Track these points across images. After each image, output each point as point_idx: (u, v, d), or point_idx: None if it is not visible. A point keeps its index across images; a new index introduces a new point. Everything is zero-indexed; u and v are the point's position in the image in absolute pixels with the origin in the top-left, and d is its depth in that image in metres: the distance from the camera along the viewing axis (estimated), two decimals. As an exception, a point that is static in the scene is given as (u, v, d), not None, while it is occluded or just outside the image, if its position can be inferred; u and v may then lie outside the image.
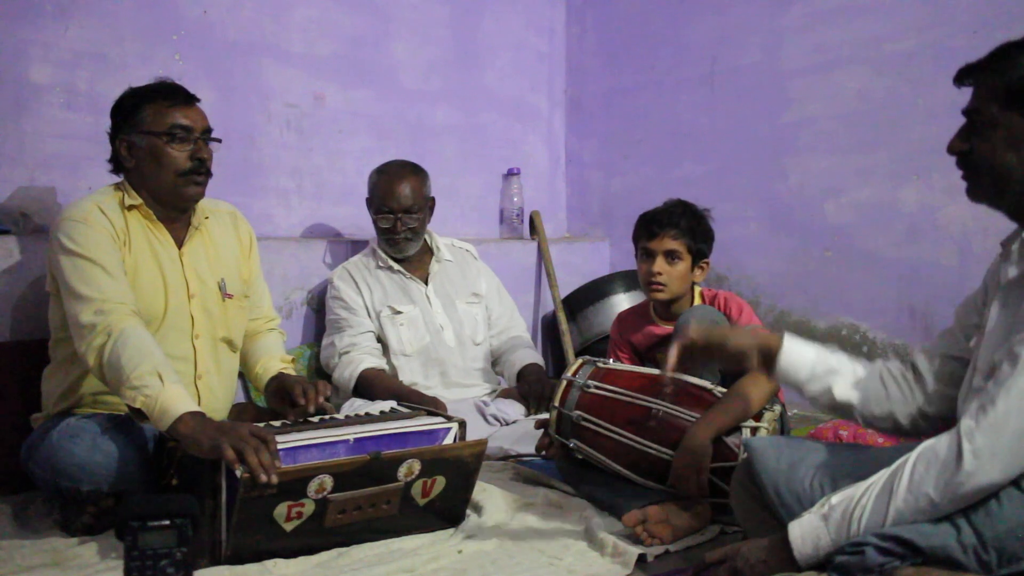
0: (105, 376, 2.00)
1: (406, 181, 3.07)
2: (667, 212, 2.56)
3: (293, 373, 2.47)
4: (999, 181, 1.63)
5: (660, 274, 2.53)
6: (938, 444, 1.59)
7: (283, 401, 2.30)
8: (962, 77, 1.68)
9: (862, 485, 1.63)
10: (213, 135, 2.33)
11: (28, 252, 2.59)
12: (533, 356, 3.21)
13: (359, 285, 3.10)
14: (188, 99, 2.29)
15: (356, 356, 2.99)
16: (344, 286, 3.10)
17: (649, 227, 2.55)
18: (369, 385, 2.93)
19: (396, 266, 3.14)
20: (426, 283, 3.17)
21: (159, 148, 2.23)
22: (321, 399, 2.22)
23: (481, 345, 3.20)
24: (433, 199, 3.19)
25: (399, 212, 3.05)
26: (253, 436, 1.82)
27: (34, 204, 2.68)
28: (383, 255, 3.15)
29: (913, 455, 1.60)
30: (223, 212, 2.50)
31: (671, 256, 2.54)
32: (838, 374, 1.83)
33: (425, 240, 3.21)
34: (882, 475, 1.62)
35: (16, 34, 2.81)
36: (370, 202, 3.15)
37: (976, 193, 1.69)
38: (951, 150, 1.68)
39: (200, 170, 2.27)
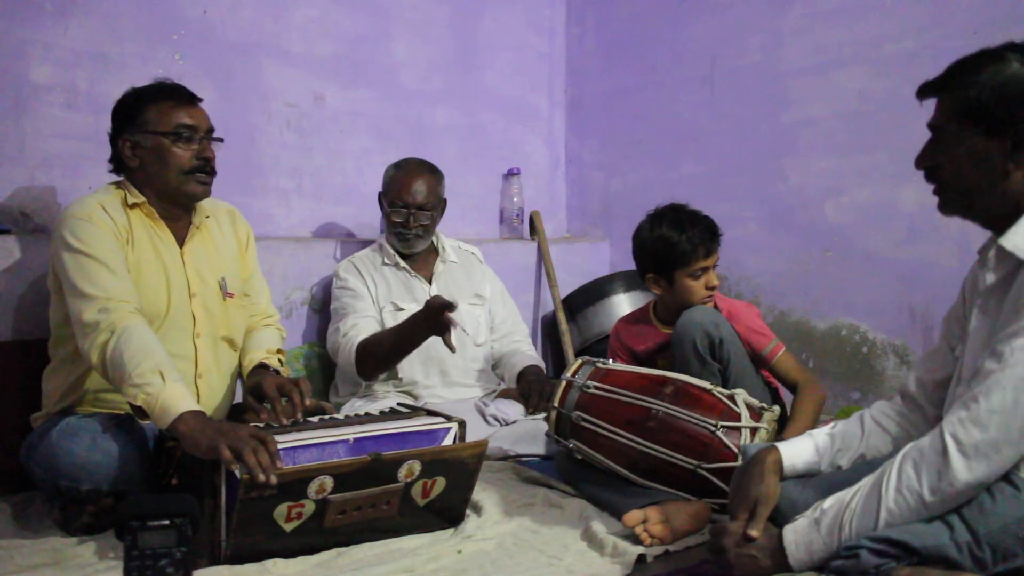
0: (107, 373, 2.01)
1: (422, 178, 3.09)
2: (706, 224, 2.54)
3: (276, 364, 2.46)
4: (965, 196, 1.67)
5: (717, 282, 2.56)
6: (923, 444, 1.60)
7: (261, 402, 2.25)
8: (924, 92, 1.71)
9: (852, 489, 1.64)
10: (215, 135, 2.34)
11: (29, 252, 2.59)
12: (533, 359, 3.22)
13: (364, 278, 3.11)
14: (191, 99, 2.32)
15: (354, 333, 2.95)
16: (350, 276, 3.11)
17: (705, 246, 2.52)
18: (371, 347, 2.88)
19: (402, 263, 3.15)
20: (430, 283, 3.18)
21: (165, 148, 2.25)
22: (307, 401, 2.16)
23: (482, 347, 3.21)
24: (445, 200, 3.21)
25: (413, 207, 3.07)
26: (252, 437, 1.82)
27: (34, 203, 2.68)
28: (390, 251, 3.16)
29: (899, 456, 1.61)
30: (222, 211, 2.51)
31: (715, 264, 2.57)
32: (840, 453, 1.83)
33: (432, 240, 3.23)
34: (870, 478, 1.63)
35: (16, 34, 2.81)
36: (384, 196, 3.16)
37: (946, 207, 1.72)
38: (918, 165, 1.72)
39: (205, 169, 2.30)
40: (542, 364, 3.24)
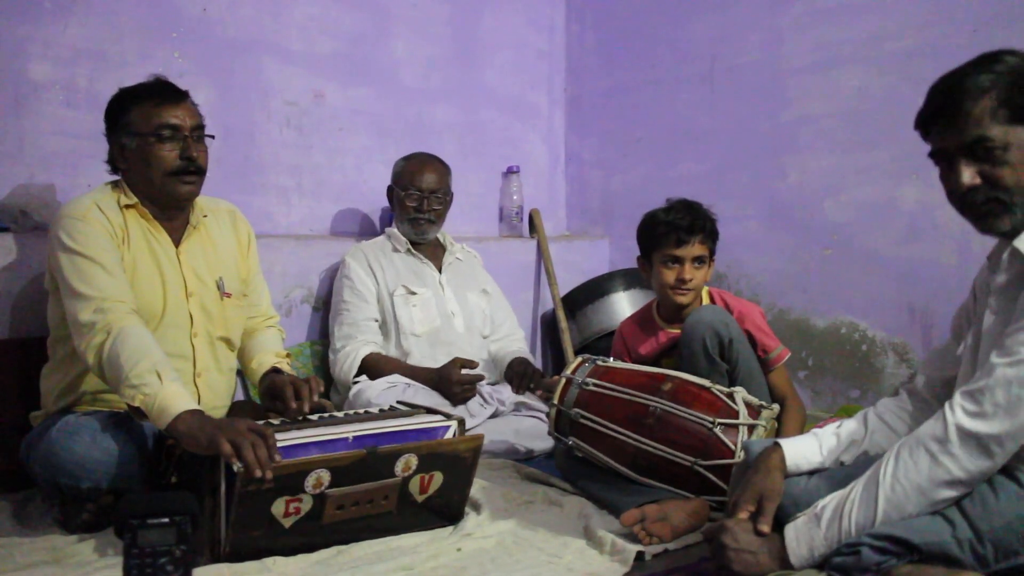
0: (105, 374, 2.00)
1: (433, 167, 3.23)
2: (692, 216, 2.53)
3: (287, 368, 2.47)
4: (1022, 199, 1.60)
5: (692, 280, 2.53)
6: (922, 434, 1.60)
7: (275, 401, 2.27)
8: (935, 118, 1.63)
9: (851, 484, 1.64)
10: (206, 131, 2.32)
11: (27, 250, 2.59)
12: (523, 352, 3.26)
13: (372, 266, 3.16)
14: (176, 97, 2.27)
15: (352, 348, 3.03)
16: (356, 265, 3.15)
17: (678, 234, 2.51)
18: (374, 367, 2.99)
19: (412, 249, 3.22)
20: (439, 271, 3.24)
21: (148, 149, 2.23)
22: (315, 397, 2.18)
23: (488, 338, 3.27)
24: (452, 194, 3.29)
25: (426, 192, 3.18)
26: (251, 432, 1.82)
27: (33, 202, 2.68)
28: (400, 238, 3.22)
29: (896, 446, 1.61)
30: (222, 211, 2.50)
31: (698, 261, 2.54)
32: (846, 451, 1.83)
33: (437, 238, 3.30)
34: (868, 472, 1.63)
35: (16, 31, 2.81)
36: (395, 185, 3.24)
37: (996, 222, 1.63)
38: (963, 188, 1.61)
39: (190, 168, 2.26)
40: (532, 360, 3.26)
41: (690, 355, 2.43)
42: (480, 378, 2.94)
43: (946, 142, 1.64)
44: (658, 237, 2.54)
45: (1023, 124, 1.58)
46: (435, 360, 3.07)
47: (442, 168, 3.25)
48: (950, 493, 1.57)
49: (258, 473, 1.76)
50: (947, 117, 1.62)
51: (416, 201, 3.17)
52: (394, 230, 3.26)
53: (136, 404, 1.91)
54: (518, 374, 3.07)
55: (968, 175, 1.61)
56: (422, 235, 3.22)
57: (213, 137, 2.35)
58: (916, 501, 1.57)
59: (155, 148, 2.23)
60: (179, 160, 2.24)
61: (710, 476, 2.15)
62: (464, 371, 2.88)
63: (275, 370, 2.41)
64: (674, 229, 2.52)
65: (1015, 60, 1.59)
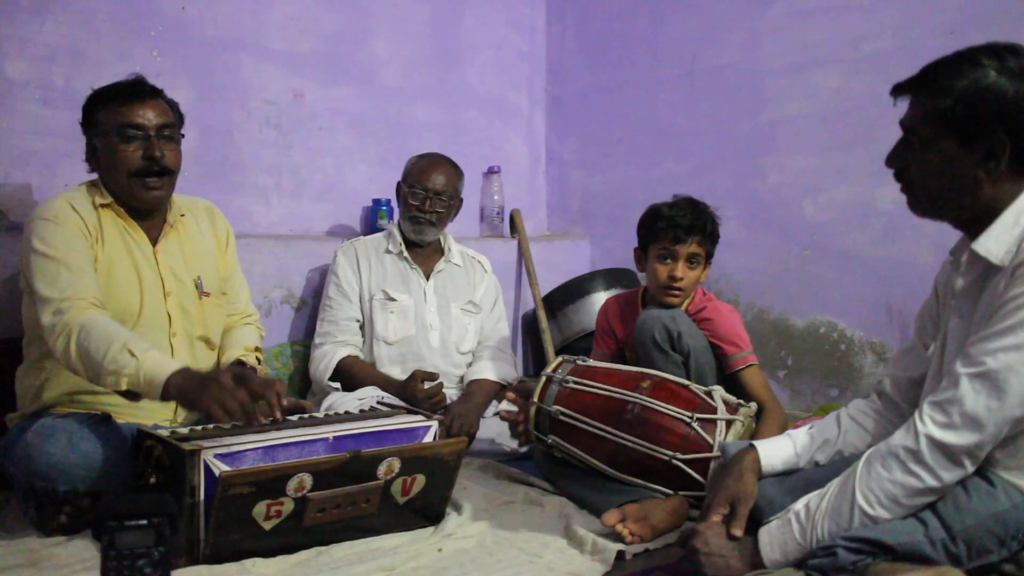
0: (82, 373, 1.99)
1: (443, 168, 3.15)
2: (694, 215, 2.54)
3: (253, 363, 2.43)
4: (933, 200, 1.67)
5: (683, 279, 2.53)
6: (894, 444, 1.60)
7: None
8: (899, 91, 1.70)
9: (823, 489, 1.65)
10: (179, 131, 2.29)
11: (3, 250, 2.57)
12: (486, 371, 3.07)
13: (360, 263, 3.11)
14: (141, 95, 2.23)
15: (330, 348, 3.00)
16: (344, 261, 3.12)
17: (676, 231, 2.52)
18: (348, 372, 2.96)
19: (405, 252, 3.14)
20: (428, 279, 3.17)
21: (112, 148, 2.21)
22: (277, 414, 2.00)
23: (466, 355, 3.18)
24: (461, 200, 3.22)
25: (431, 192, 3.09)
26: (238, 387, 1.88)
27: (9, 201, 2.66)
28: (397, 238, 3.15)
29: (866, 456, 1.62)
30: (200, 209, 2.48)
31: (692, 260, 2.55)
32: (819, 450, 1.84)
33: (439, 239, 3.23)
34: (839, 479, 1.64)
35: (-9, 29, 2.78)
36: (403, 182, 3.17)
37: (914, 207, 1.72)
38: (888, 164, 1.71)
39: (153, 169, 2.22)
40: (496, 374, 3.06)
41: (644, 351, 2.48)
42: (440, 383, 2.84)
43: (905, 117, 1.70)
44: (657, 231, 2.55)
45: (953, 138, 1.61)
46: (404, 371, 3.02)
47: (453, 171, 3.16)
48: (924, 500, 1.58)
49: (278, 415, 1.89)
50: (910, 96, 1.68)
51: (419, 200, 3.07)
52: (394, 229, 3.19)
53: (124, 388, 1.90)
54: (412, 392, 2.79)
55: (895, 155, 1.71)
56: (421, 235, 3.13)
57: (183, 136, 2.31)
58: (890, 509, 1.58)
59: (118, 148, 2.20)
60: (142, 160, 2.20)
61: (688, 470, 2.16)
62: (426, 384, 2.81)
63: (239, 363, 2.37)
64: (673, 226, 2.52)
65: (993, 75, 1.58)
